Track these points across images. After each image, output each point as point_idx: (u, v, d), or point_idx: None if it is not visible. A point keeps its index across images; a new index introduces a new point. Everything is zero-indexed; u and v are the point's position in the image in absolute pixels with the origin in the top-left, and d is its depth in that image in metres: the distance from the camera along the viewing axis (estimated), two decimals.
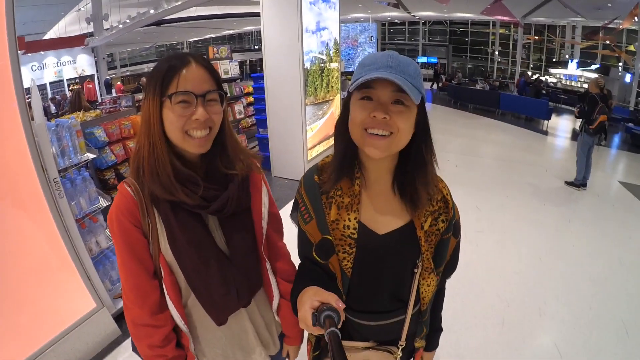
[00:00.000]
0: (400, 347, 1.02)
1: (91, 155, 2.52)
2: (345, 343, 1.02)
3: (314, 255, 0.96)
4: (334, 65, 5.62)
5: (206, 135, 0.89)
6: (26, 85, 1.83)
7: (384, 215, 0.94)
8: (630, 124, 9.22)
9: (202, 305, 0.98)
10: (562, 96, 13.89)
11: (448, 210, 0.96)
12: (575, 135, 9.95)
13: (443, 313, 1.15)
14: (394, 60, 0.80)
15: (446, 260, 1.01)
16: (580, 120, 5.14)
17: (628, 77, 13.02)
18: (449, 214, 0.96)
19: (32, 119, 1.87)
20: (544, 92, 13.67)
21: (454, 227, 0.99)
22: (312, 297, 0.78)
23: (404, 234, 0.93)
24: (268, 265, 1.10)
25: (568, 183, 5.26)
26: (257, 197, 1.05)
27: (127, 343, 2.30)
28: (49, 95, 11.49)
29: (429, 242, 0.94)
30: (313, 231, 0.96)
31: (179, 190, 0.89)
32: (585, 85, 15.29)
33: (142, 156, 0.90)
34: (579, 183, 5.16)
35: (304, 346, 1.19)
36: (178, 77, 0.85)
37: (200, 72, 0.88)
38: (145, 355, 0.98)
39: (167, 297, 0.95)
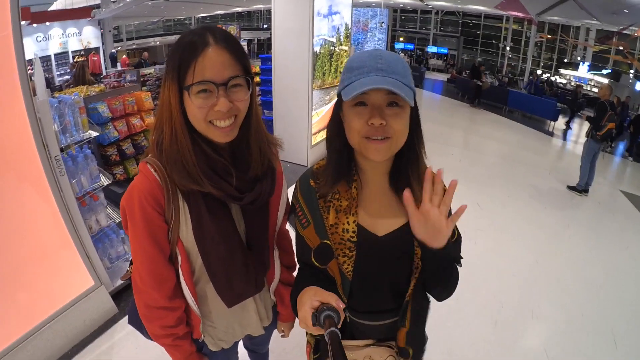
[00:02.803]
0: None
1: (94, 133, 2.50)
2: (347, 342, 1.03)
3: (313, 260, 0.96)
4: (344, 48, 5.53)
5: (231, 124, 0.83)
6: (29, 57, 1.79)
7: (382, 216, 0.94)
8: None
9: (216, 289, 0.98)
10: (570, 98, 13.74)
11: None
12: (580, 139, 9.91)
13: (437, 310, 1.14)
14: (384, 62, 0.79)
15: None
16: (588, 125, 5.10)
17: (639, 85, 12.86)
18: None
19: (34, 94, 1.84)
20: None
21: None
22: (312, 297, 0.78)
23: (403, 234, 0.93)
24: (275, 252, 1.14)
25: (570, 187, 5.23)
26: (277, 189, 1.03)
27: (124, 321, 2.33)
28: (54, 67, 11.38)
29: None
30: (311, 236, 0.96)
31: (205, 182, 0.85)
32: (595, 90, 15.13)
33: (164, 142, 0.85)
34: (581, 188, 5.13)
35: (303, 348, 1.20)
36: (195, 64, 0.77)
37: (222, 55, 0.79)
38: (155, 334, 1.00)
39: (183, 282, 0.96)
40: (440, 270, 0.91)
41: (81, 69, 4.79)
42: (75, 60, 11.56)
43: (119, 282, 2.51)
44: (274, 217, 1.05)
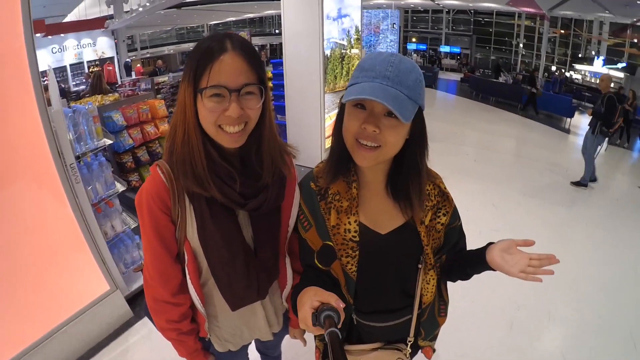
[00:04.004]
0: (409, 343, 1.05)
1: (108, 141, 2.56)
2: (354, 347, 1.03)
3: (316, 262, 0.97)
4: (355, 51, 5.53)
5: (240, 131, 0.84)
6: (43, 68, 1.84)
7: (384, 214, 0.95)
8: None
9: (220, 292, 1.00)
10: (586, 94, 13.40)
11: (449, 203, 0.99)
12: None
13: (452, 312, 1.14)
14: (394, 69, 0.77)
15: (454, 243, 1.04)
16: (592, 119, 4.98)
17: None
18: (451, 206, 0.99)
19: (49, 104, 1.90)
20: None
21: (454, 214, 1.02)
22: (312, 297, 0.78)
23: (406, 231, 0.94)
24: (287, 260, 1.12)
25: (574, 183, 5.13)
26: (289, 196, 1.02)
27: (139, 325, 2.37)
28: (70, 77, 11.67)
29: (429, 236, 0.95)
30: (313, 238, 0.97)
31: (212, 185, 0.86)
32: (612, 85, 14.72)
33: (176, 144, 0.87)
34: (586, 182, 5.06)
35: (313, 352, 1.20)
36: (210, 68, 0.78)
37: (238, 62, 0.80)
38: (161, 327, 1.03)
39: (189, 280, 0.98)
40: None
41: (98, 79, 4.90)
42: (90, 71, 11.83)
43: (134, 286, 2.55)
44: (285, 224, 1.04)
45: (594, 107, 4.96)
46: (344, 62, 5.27)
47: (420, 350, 1.14)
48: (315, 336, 1.14)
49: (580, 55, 17.22)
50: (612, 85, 4.87)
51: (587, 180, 5.04)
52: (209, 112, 0.80)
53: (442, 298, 1.09)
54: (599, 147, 4.97)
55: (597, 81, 5.14)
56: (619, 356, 2.34)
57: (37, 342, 1.95)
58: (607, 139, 4.91)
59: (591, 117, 4.93)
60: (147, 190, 0.90)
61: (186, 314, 1.02)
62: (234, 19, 23.47)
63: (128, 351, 2.20)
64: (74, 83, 11.58)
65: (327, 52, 4.85)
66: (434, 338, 1.15)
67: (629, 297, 2.92)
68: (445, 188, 0.99)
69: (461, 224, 1.06)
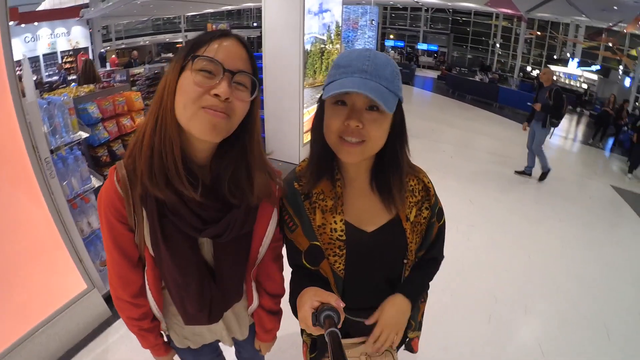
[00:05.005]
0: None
1: (84, 134, 2.47)
2: (343, 340, 1.03)
3: (304, 262, 0.96)
4: (335, 47, 5.53)
5: (224, 116, 0.73)
6: (17, 58, 1.76)
7: (369, 212, 0.95)
8: (625, 128, 9.14)
9: (174, 305, 0.98)
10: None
11: (430, 197, 0.99)
12: (569, 135, 10.01)
13: (432, 306, 1.16)
14: (370, 64, 0.77)
15: (430, 243, 1.04)
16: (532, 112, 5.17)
17: (628, 81, 12.99)
18: (431, 201, 0.99)
19: (23, 95, 1.81)
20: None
21: (438, 213, 1.02)
22: (312, 297, 0.78)
23: (392, 228, 0.94)
24: (253, 284, 1.05)
25: (519, 172, 5.47)
26: (263, 222, 0.93)
27: (118, 324, 2.31)
28: (43, 68, 11.23)
29: (414, 232, 0.97)
30: (300, 239, 0.96)
31: (183, 178, 0.75)
32: (585, 86, 15.21)
33: (143, 133, 0.77)
34: (529, 172, 5.40)
35: (299, 347, 1.20)
36: (209, 43, 0.73)
37: (239, 49, 0.76)
38: (125, 321, 1.02)
39: (147, 286, 0.95)
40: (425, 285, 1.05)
41: (90, 66, 4.64)
42: (64, 61, 11.43)
43: None
44: (256, 250, 0.96)
45: (536, 99, 5.09)
46: (323, 57, 5.27)
47: (410, 342, 1.16)
48: (302, 331, 1.13)
49: (555, 57, 17.77)
50: (554, 78, 5.03)
51: (546, 168, 5.28)
52: (194, 85, 0.70)
53: None
54: (547, 137, 5.21)
55: (542, 75, 5.25)
56: (594, 346, 2.44)
57: (15, 344, 1.87)
58: (553, 128, 5.15)
59: (539, 111, 5.04)
60: (101, 197, 0.85)
61: (147, 314, 1.00)
62: (211, 10, 23.07)
63: (108, 351, 2.14)
64: (47, 74, 11.16)
65: (308, 46, 4.83)
66: (420, 327, 1.17)
67: (603, 290, 3.05)
68: (429, 182, 1.00)
69: (443, 227, 1.05)
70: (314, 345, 1.10)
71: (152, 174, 0.75)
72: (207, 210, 0.82)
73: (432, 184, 1.00)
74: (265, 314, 1.10)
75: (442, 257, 1.09)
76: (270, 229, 0.95)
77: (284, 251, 1.06)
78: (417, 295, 1.02)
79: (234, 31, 0.81)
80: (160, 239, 0.83)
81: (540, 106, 4.96)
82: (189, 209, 0.80)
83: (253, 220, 0.91)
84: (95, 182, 2.50)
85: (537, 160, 5.31)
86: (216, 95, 0.71)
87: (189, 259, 0.87)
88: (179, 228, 0.82)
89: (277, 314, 1.14)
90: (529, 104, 5.28)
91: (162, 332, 1.08)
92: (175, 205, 0.79)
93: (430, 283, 1.09)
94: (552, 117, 4.95)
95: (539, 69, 17.86)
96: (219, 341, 1.16)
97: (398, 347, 1.13)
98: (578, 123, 11.70)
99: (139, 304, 0.97)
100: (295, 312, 0.84)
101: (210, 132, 0.73)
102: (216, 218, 0.83)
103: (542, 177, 5.31)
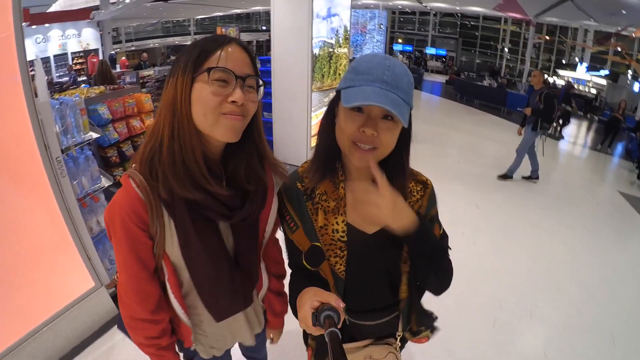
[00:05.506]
0: (399, 337, 1.07)
1: (95, 135, 2.51)
2: (347, 345, 1.04)
3: (304, 263, 0.97)
4: (343, 51, 5.55)
5: (240, 118, 0.81)
6: (30, 58, 1.79)
7: (370, 214, 0.95)
8: (632, 134, 9.01)
9: (204, 304, 0.97)
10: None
11: (425, 190, 0.98)
12: (579, 140, 9.91)
13: (436, 310, 1.14)
14: (390, 74, 0.78)
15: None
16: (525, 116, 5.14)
17: (637, 86, 12.85)
18: (426, 195, 0.97)
19: (36, 95, 1.85)
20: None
21: (432, 207, 1.00)
22: (312, 297, 0.79)
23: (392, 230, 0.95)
24: (262, 265, 1.13)
25: (525, 178, 5.43)
26: (268, 204, 1.00)
27: None
28: (53, 68, 11.39)
29: None
30: (301, 239, 0.97)
31: (210, 180, 0.81)
32: (594, 91, 15.06)
33: (161, 144, 0.79)
34: (535, 175, 5.39)
35: (302, 348, 1.21)
36: (219, 53, 0.78)
37: (242, 54, 0.81)
38: (139, 343, 0.99)
39: (171, 294, 0.95)
40: (428, 257, 0.91)
41: (106, 66, 4.70)
42: (74, 62, 11.57)
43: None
44: (262, 232, 1.03)
45: (528, 104, 5.06)
46: (331, 61, 5.29)
47: (418, 334, 1.14)
48: (307, 335, 1.14)
49: (564, 62, 17.66)
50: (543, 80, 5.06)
51: (536, 172, 5.33)
52: (213, 95, 0.76)
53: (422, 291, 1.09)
54: (539, 141, 5.21)
55: (532, 78, 5.23)
56: (599, 353, 2.42)
57: (21, 340, 1.90)
58: (544, 137, 5.18)
59: (530, 115, 5.00)
60: (120, 205, 0.83)
61: (166, 330, 0.98)
62: (220, 13, 23.25)
63: (114, 348, 2.17)
64: (57, 74, 11.31)
65: (316, 50, 4.85)
66: (431, 325, 1.13)
67: (608, 296, 3.02)
68: (427, 180, 0.99)
69: (444, 235, 1.04)
70: (319, 349, 1.09)
71: (179, 179, 0.80)
72: (231, 199, 0.88)
73: (430, 181, 1.01)
74: (274, 296, 1.18)
75: (447, 248, 1.05)
76: (273, 210, 1.01)
77: (283, 248, 1.10)
78: (427, 229, 0.91)
79: (243, 34, 0.84)
80: (195, 235, 0.86)
81: (530, 110, 4.95)
82: (218, 202, 0.85)
83: (264, 202, 0.97)
84: (105, 182, 2.53)
85: (524, 161, 5.33)
86: (233, 102, 0.78)
87: (217, 250, 0.92)
88: (207, 222, 0.88)
89: (284, 295, 1.22)
90: (518, 109, 5.28)
91: (188, 346, 1.07)
92: (205, 200, 0.84)
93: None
94: (542, 121, 4.94)
95: (548, 74, 17.77)
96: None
97: (401, 348, 1.13)
98: (588, 129, 11.56)
99: (158, 319, 0.95)
100: (295, 312, 0.85)
101: (232, 134, 0.81)
102: (240, 204, 0.90)
103: (504, 177, 5.38)
